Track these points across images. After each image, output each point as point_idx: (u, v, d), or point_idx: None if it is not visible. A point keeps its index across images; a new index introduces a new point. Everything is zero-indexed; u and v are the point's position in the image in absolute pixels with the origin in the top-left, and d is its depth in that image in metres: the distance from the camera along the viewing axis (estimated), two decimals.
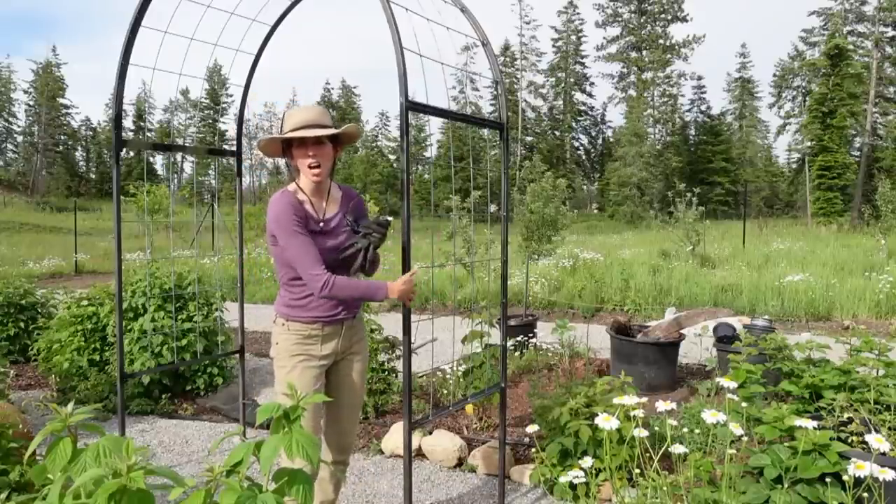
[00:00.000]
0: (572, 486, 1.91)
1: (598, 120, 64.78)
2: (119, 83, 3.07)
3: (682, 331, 5.42)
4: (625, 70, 54.56)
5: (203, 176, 58.35)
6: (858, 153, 42.93)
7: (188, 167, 66.79)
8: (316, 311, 2.44)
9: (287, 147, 2.43)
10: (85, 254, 18.63)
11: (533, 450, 3.74)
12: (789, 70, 51.50)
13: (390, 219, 2.44)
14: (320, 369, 2.48)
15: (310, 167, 2.36)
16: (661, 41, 51.86)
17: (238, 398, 4.29)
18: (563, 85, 59.82)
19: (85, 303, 5.30)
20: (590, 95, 62.40)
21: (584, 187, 66.50)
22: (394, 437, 3.97)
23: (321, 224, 2.44)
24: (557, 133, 60.54)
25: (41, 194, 55.80)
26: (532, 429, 2.45)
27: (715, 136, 54.72)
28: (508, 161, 2.97)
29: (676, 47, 51.76)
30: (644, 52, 52.50)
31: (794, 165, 54.46)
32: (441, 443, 3.86)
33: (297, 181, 2.46)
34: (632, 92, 52.91)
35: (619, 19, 53.55)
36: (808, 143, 40.39)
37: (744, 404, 2.93)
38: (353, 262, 2.43)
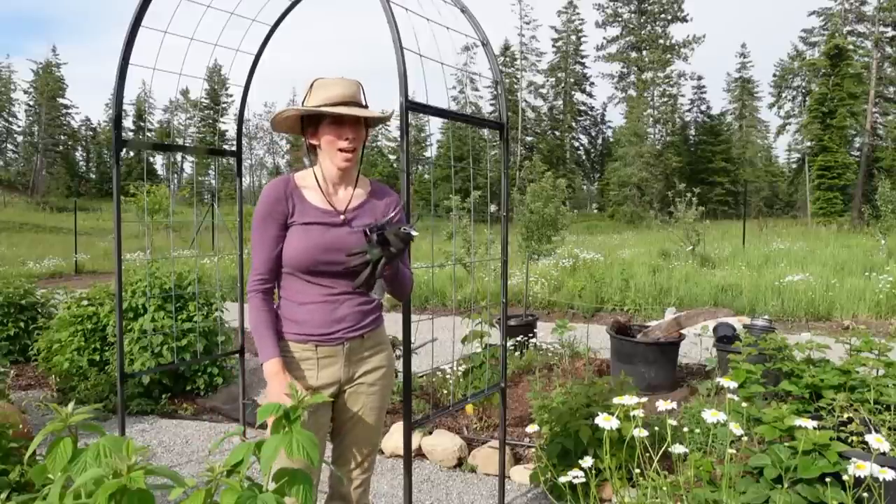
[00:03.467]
0: (572, 486, 1.91)
1: (598, 120, 64.85)
2: (119, 83, 3.07)
3: (682, 331, 5.42)
4: (625, 70, 54.58)
5: (203, 176, 58.37)
6: (858, 153, 42.95)
7: (188, 167, 66.90)
8: (307, 327, 1.97)
9: (308, 124, 2.00)
10: (85, 254, 18.63)
11: (533, 450, 3.74)
12: (789, 70, 51.52)
13: (416, 233, 1.92)
14: (319, 406, 2.00)
15: (342, 150, 1.95)
16: (661, 41, 51.87)
17: (238, 398, 4.29)
18: (563, 85, 59.84)
19: (85, 303, 5.30)
20: (590, 95, 62.48)
21: (584, 187, 66.54)
22: (394, 437, 3.96)
23: (342, 216, 2.00)
24: (557, 133, 60.56)
25: (41, 194, 55.82)
26: (532, 429, 2.45)
27: (715, 136, 54.76)
28: (508, 161, 2.97)
29: (676, 47, 51.78)
30: (644, 52, 52.51)
31: (794, 165, 54.51)
32: (441, 443, 3.86)
33: (314, 165, 2.05)
34: (632, 92, 52.93)
35: (619, 19, 53.57)
36: (808, 143, 40.45)
37: (744, 404, 2.94)
38: (358, 274, 1.88)
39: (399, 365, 4.73)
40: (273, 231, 1.95)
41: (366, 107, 2.00)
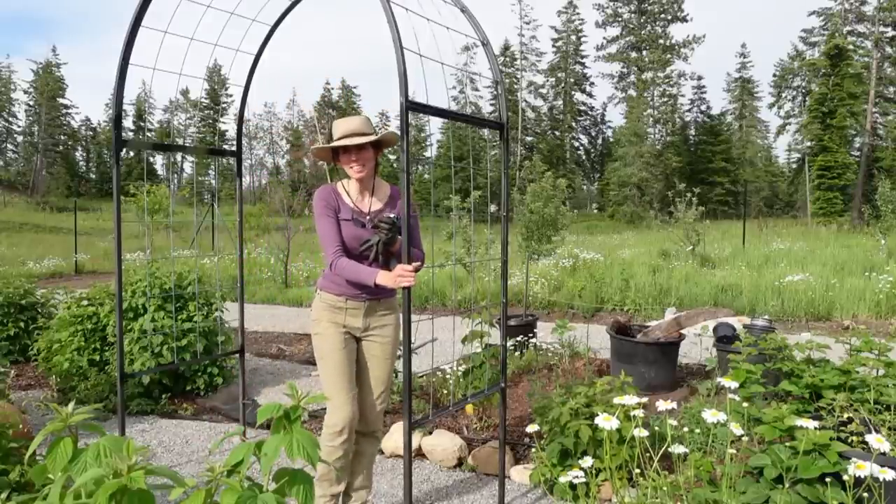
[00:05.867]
0: (572, 486, 1.91)
1: (598, 120, 64.85)
2: (119, 83, 3.07)
3: (682, 331, 5.42)
4: (625, 70, 54.57)
5: (203, 176, 58.36)
6: (858, 153, 42.93)
7: (188, 167, 66.90)
8: (342, 287, 2.83)
9: (335, 152, 2.85)
10: (85, 254, 18.62)
11: (533, 450, 3.74)
12: (789, 70, 51.50)
13: (392, 215, 2.72)
14: (347, 335, 2.86)
15: (352, 168, 2.78)
16: (661, 41, 51.85)
17: (238, 398, 4.29)
18: (563, 85, 59.83)
19: (85, 303, 5.30)
20: (590, 95, 62.48)
21: (584, 187, 66.54)
22: (394, 437, 3.97)
23: (364, 216, 2.82)
24: (557, 133, 60.53)
25: (41, 194, 55.78)
26: (532, 429, 2.45)
27: (715, 136, 54.73)
28: (508, 161, 2.97)
29: (676, 47, 51.75)
30: (644, 52, 52.49)
31: (794, 165, 54.49)
32: (441, 443, 3.86)
33: (345, 179, 2.91)
34: (632, 92, 52.91)
35: (619, 19, 53.55)
36: (808, 143, 40.43)
37: (744, 404, 2.94)
38: (370, 255, 2.75)
39: (399, 365, 4.73)
40: (335, 218, 2.78)
41: (370, 134, 2.76)
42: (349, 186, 2.88)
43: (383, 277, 2.65)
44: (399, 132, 2.34)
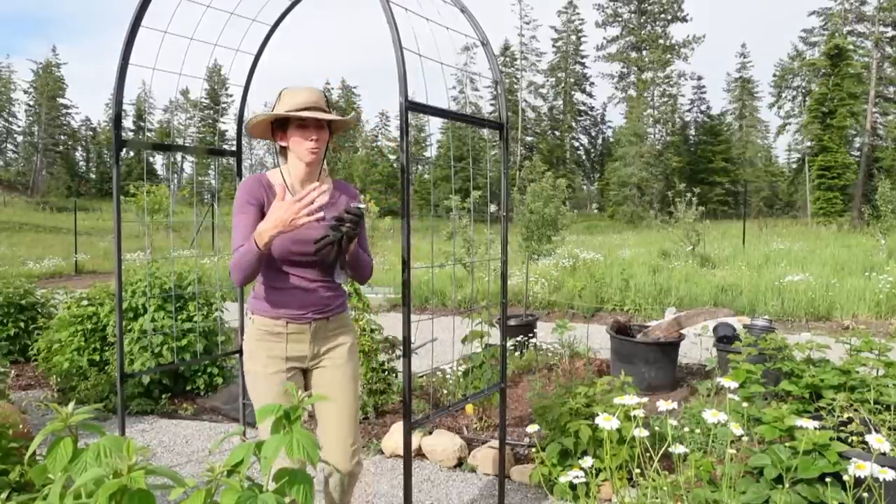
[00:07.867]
0: (572, 486, 1.91)
1: (598, 120, 64.89)
2: (119, 83, 3.07)
3: (682, 331, 5.42)
4: (625, 70, 54.58)
5: (203, 176, 58.38)
6: (858, 153, 42.93)
7: (188, 167, 66.93)
8: (280, 307, 2.22)
9: (277, 127, 2.23)
10: (85, 254, 18.62)
11: (533, 450, 3.74)
12: (789, 70, 51.50)
13: (362, 206, 2.15)
14: (288, 373, 2.25)
15: (307, 148, 2.19)
16: (661, 41, 51.86)
17: (238, 398, 4.29)
18: (563, 85, 59.85)
19: (85, 303, 5.30)
20: (590, 95, 62.51)
21: (584, 187, 66.55)
22: (394, 437, 3.97)
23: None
24: (557, 133, 60.56)
25: (41, 194, 55.80)
26: (532, 429, 2.45)
27: (715, 136, 54.77)
28: (508, 161, 2.96)
29: (676, 47, 51.77)
30: (644, 52, 52.50)
31: (794, 165, 54.50)
32: (441, 443, 3.86)
33: (282, 165, 2.30)
34: (632, 92, 52.91)
35: (619, 19, 53.55)
36: (808, 143, 40.45)
37: (744, 404, 2.94)
38: (328, 257, 2.13)
39: (399, 364, 4.73)
40: (253, 214, 2.17)
41: (331, 112, 2.23)
42: (292, 174, 2.26)
43: (263, 229, 2.00)
44: (399, 132, 2.31)
